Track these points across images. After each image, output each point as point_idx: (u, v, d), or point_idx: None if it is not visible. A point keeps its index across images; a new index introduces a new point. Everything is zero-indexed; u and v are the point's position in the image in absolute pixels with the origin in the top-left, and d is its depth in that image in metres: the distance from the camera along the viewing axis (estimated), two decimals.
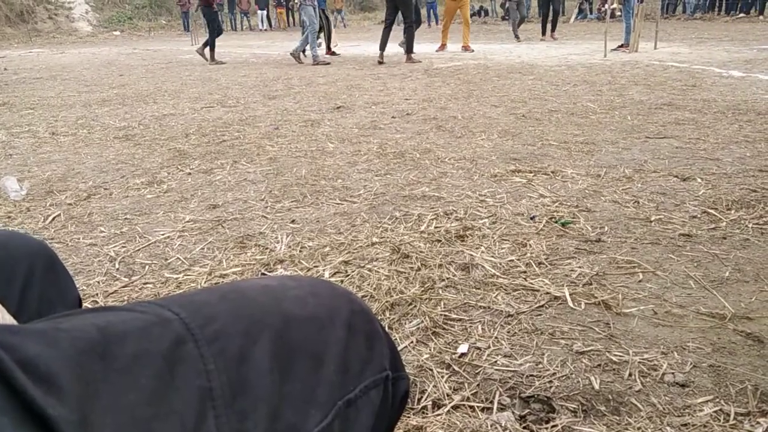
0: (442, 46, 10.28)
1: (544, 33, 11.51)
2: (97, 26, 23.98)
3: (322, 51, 9.53)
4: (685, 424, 1.07)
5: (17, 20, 22.40)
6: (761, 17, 17.55)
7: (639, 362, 1.25)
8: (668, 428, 1.06)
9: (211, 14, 9.40)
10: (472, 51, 9.80)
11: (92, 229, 2.18)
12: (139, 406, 0.31)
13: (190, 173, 2.90)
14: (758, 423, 1.06)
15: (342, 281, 1.68)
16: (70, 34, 22.37)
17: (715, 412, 1.09)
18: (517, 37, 11.88)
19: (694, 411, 1.10)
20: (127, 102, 5.41)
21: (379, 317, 1.47)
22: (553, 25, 11.37)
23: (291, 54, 9.15)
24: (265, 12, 25.21)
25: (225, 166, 2.99)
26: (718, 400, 1.13)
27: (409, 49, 8.51)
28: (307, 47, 8.93)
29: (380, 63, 8.37)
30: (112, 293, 1.68)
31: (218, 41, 9.66)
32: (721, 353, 1.28)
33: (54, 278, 0.68)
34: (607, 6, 11.24)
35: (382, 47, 8.50)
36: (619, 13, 10.76)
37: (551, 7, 11.23)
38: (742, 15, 17.89)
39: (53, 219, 2.30)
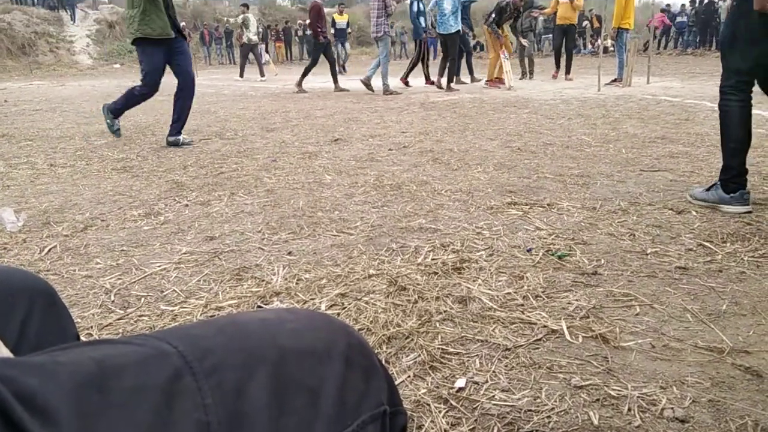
0: (490, 81, 9.90)
1: (557, 68, 10.96)
2: (98, 59, 24.27)
3: (395, 81, 9.84)
4: None
5: (18, 53, 22.67)
6: None
7: (638, 397, 1.24)
8: None
9: (316, 45, 9.80)
10: (501, 87, 9.49)
11: (88, 260, 2.17)
12: None
13: (187, 205, 2.90)
14: None
15: (338, 314, 1.67)
16: (70, 67, 22.63)
17: None
18: (524, 73, 11.33)
19: None
20: (126, 134, 5.45)
21: (376, 351, 1.46)
22: (567, 66, 10.68)
23: (362, 81, 9.53)
24: (263, 46, 25.59)
25: (222, 198, 3.00)
26: None
27: (449, 80, 9.32)
28: (379, 77, 9.11)
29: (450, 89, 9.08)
30: (107, 326, 1.66)
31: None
32: (721, 388, 1.27)
33: (54, 315, 0.68)
34: (600, 41, 11.39)
35: (450, 78, 9.31)
36: (612, 48, 10.83)
37: (564, 46, 10.63)
38: None
39: (49, 250, 2.29)
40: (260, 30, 15.38)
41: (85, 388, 0.32)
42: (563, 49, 10.64)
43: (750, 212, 2.46)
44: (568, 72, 10.59)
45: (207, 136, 5.17)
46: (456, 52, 9.39)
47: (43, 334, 0.65)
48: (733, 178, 2.52)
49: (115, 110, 4.95)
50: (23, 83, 15.47)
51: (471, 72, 11.07)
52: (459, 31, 9.34)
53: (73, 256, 2.23)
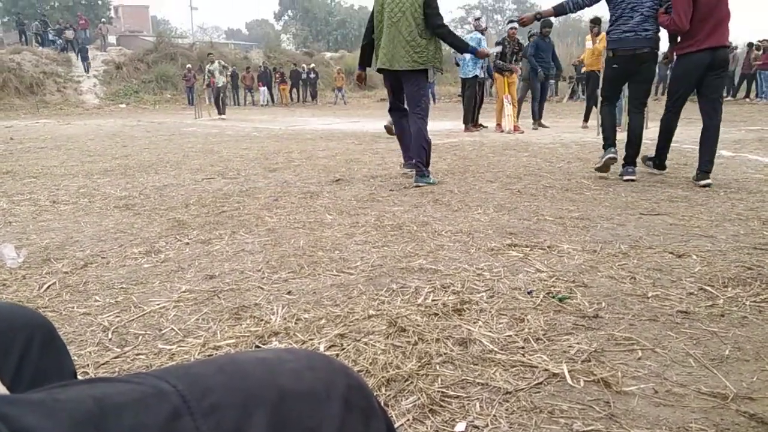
0: (498, 125, 9.80)
1: (532, 119, 10.48)
2: (104, 99, 24.65)
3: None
4: None
5: (26, 92, 23.04)
6: (747, 100, 18.16)
7: None
8: None
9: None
10: (522, 132, 9.30)
11: (87, 298, 2.16)
12: None
13: (188, 243, 2.90)
14: None
15: (337, 355, 1.66)
16: (77, 106, 22.96)
17: None
18: (535, 120, 10.49)
19: None
20: (129, 172, 5.49)
21: (375, 393, 1.44)
22: (539, 110, 10.35)
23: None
24: (266, 88, 26.04)
25: (223, 237, 3.00)
26: None
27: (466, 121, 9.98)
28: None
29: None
30: (104, 364, 1.64)
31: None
32: None
33: (51, 352, 0.68)
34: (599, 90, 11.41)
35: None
36: None
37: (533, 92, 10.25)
38: (729, 98, 18.52)
39: (48, 287, 2.28)
40: (228, 75, 17.69)
41: (84, 427, 0.32)
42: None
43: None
44: (539, 116, 10.31)
45: (210, 176, 5.21)
46: (472, 96, 9.77)
47: (41, 370, 0.65)
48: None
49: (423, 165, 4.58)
50: (30, 121, 15.68)
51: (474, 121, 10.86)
52: (476, 76, 9.59)
53: (72, 293, 2.22)
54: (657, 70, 4.29)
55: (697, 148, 4.32)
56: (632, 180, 4.47)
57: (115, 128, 12.16)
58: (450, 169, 5.28)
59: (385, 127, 9.04)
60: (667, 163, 4.80)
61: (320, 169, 5.53)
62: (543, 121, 10.40)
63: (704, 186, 4.09)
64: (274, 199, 4.03)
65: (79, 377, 1.53)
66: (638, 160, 4.69)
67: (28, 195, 4.37)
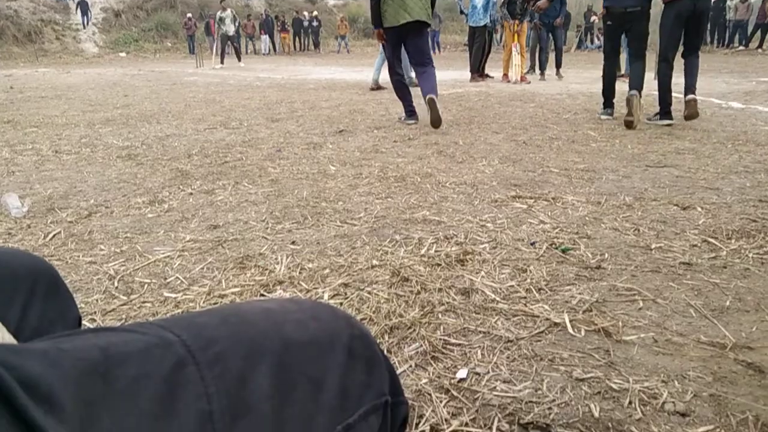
0: (505, 76, 9.61)
1: (539, 69, 10.21)
2: (104, 47, 24.23)
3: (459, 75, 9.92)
4: None
5: (25, 40, 22.65)
6: (760, 50, 17.77)
7: (639, 390, 1.24)
8: None
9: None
10: (528, 83, 9.14)
11: (92, 247, 2.18)
12: (139, 429, 0.31)
13: (191, 193, 2.90)
14: None
15: (341, 304, 1.67)
16: (76, 55, 22.61)
17: None
18: (533, 68, 10.40)
19: None
20: (130, 122, 5.45)
21: (378, 341, 1.46)
22: (557, 61, 10.09)
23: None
24: (268, 37, 25.51)
25: (227, 187, 3.00)
26: (718, 430, 1.12)
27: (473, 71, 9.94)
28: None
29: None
30: (110, 311, 1.67)
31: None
32: (722, 383, 1.27)
33: (56, 298, 0.68)
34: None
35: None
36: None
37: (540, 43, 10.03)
38: (741, 48, 18.11)
39: (53, 236, 2.30)
40: (237, 25, 17.36)
41: (89, 376, 0.32)
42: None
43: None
44: (558, 66, 10.18)
45: (212, 126, 5.17)
46: (481, 45, 9.61)
47: (45, 317, 0.65)
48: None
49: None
50: (29, 70, 15.48)
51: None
52: (486, 24, 9.39)
53: (77, 242, 2.23)
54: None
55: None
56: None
57: (116, 77, 12.01)
58: (455, 120, 5.22)
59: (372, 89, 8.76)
60: (675, 113, 4.73)
61: (323, 119, 5.47)
62: (561, 72, 10.16)
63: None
64: (277, 149, 4.01)
65: (86, 324, 1.56)
66: (645, 119, 4.81)
67: (30, 144, 4.35)
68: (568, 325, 1.52)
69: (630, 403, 1.20)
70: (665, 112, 4.75)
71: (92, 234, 2.32)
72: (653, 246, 2.06)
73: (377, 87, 8.48)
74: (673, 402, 1.20)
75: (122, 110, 6.39)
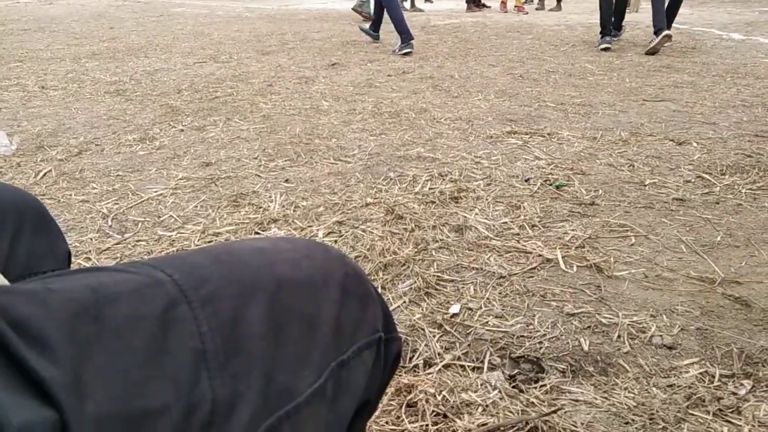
0: (503, 5, 9.25)
1: None
2: None
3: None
4: (671, 385, 1.09)
5: None
6: None
7: (628, 324, 1.27)
8: (654, 389, 1.08)
9: None
10: (526, 13, 8.84)
11: (84, 185, 2.16)
12: (132, 369, 0.31)
13: (182, 130, 2.86)
14: (742, 384, 1.09)
15: (335, 242, 1.68)
16: None
17: (701, 373, 1.12)
18: None
19: (680, 372, 1.12)
20: (117, 56, 5.30)
21: (373, 278, 1.48)
22: None
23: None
24: None
25: (218, 123, 2.95)
26: (704, 362, 1.15)
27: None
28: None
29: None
30: (105, 250, 1.67)
31: None
32: (709, 317, 1.30)
33: (44, 232, 0.67)
34: None
35: None
36: None
37: None
38: None
39: (44, 175, 2.27)
40: None
41: (80, 316, 0.32)
42: None
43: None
44: None
45: (201, 60, 5.04)
46: None
47: (34, 252, 0.64)
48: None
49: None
50: (9, 1, 14.91)
51: None
52: None
53: (69, 180, 2.22)
54: None
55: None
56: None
57: (100, 8, 11.59)
58: (451, 53, 5.11)
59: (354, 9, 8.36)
60: (675, 45, 4.64)
61: (315, 52, 5.34)
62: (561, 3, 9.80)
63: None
64: (268, 84, 3.92)
65: (81, 263, 1.57)
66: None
67: (15, 80, 4.24)
68: (561, 261, 1.54)
69: (619, 337, 1.23)
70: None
71: (84, 172, 2.30)
72: (647, 182, 2.06)
73: (367, 18, 8.19)
74: (661, 336, 1.23)
75: (108, 43, 6.20)
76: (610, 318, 1.29)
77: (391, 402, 1.06)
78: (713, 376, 1.11)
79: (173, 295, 0.37)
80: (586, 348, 1.20)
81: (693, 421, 1.00)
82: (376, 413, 1.03)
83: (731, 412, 1.02)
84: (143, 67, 4.69)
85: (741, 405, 1.04)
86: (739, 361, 1.15)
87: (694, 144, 2.47)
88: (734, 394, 1.07)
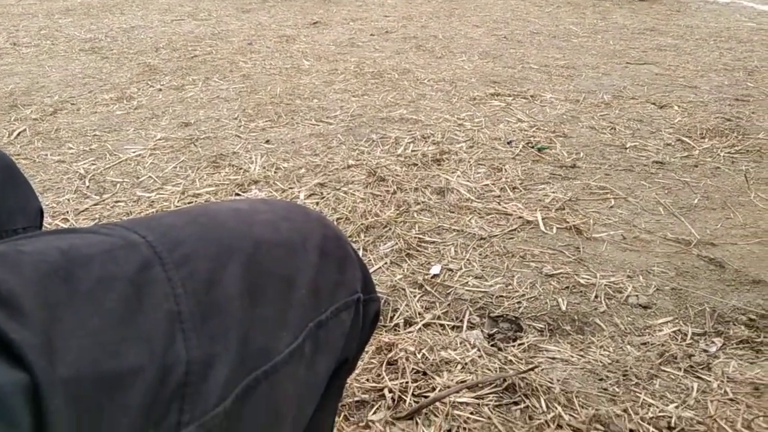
0: None
1: None
2: None
3: None
4: (645, 343, 1.12)
5: None
6: None
7: (605, 285, 1.29)
8: (628, 347, 1.11)
9: None
10: None
11: (60, 145, 2.12)
12: (104, 331, 0.31)
13: (160, 89, 2.80)
14: (713, 342, 1.12)
15: (317, 203, 1.68)
16: None
17: (674, 332, 1.15)
18: None
19: (654, 331, 1.15)
20: (92, 12, 5.14)
21: (354, 239, 1.48)
22: None
23: None
24: None
25: (197, 83, 2.89)
26: (677, 321, 1.18)
27: None
28: None
29: None
30: (83, 211, 1.65)
31: None
32: (684, 277, 1.32)
33: (13, 189, 0.65)
34: None
35: None
36: None
37: None
38: None
39: (18, 134, 2.22)
40: None
41: (51, 279, 0.31)
42: None
43: None
44: None
45: (179, 17, 4.90)
46: None
47: (4, 209, 0.63)
48: None
49: None
50: None
51: None
52: None
53: (44, 140, 2.17)
54: None
55: None
56: None
57: None
58: (435, 13, 5.02)
59: None
60: (660, 8, 4.61)
61: (296, 9, 5.22)
62: None
63: None
64: (248, 43, 3.84)
65: (60, 224, 1.55)
66: None
67: None
68: (541, 223, 1.55)
69: (596, 297, 1.25)
70: None
71: (59, 132, 2.25)
72: (628, 145, 2.07)
73: None
74: (637, 296, 1.25)
75: None
76: (588, 279, 1.31)
77: (372, 360, 1.08)
78: (686, 335, 1.14)
79: (147, 256, 0.36)
80: (563, 308, 1.22)
81: (665, 377, 1.03)
82: (357, 371, 1.04)
83: (702, 369, 1.05)
84: (119, 24, 4.55)
85: (711, 362, 1.07)
86: (711, 320, 1.18)
87: (676, 107, 2.47)
88: (705, 351, 1.10)
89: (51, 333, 0.29)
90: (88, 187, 1.80)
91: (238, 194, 1.74)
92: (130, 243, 0.37)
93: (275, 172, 1.87)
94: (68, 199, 1.72)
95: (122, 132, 2.24)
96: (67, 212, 1.64)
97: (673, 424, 0.92)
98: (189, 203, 1.69)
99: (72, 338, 0.30)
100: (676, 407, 0.96)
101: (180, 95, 2.70)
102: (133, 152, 2.05)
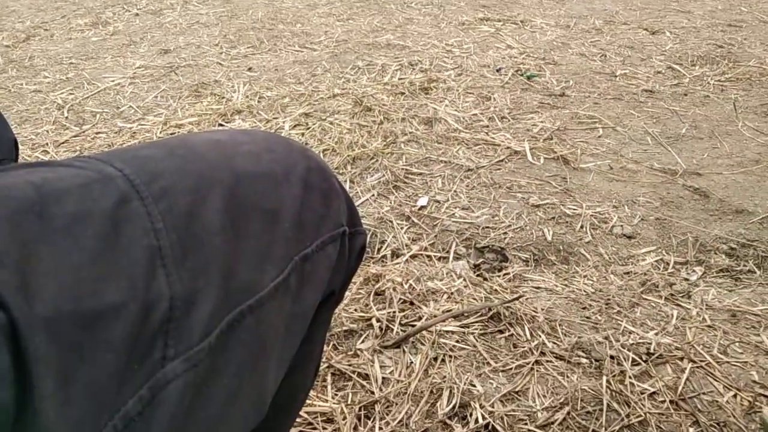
0: None
1: None
2: None
3: None
4: (628, 273, 1.14)
5: None
6: None
7: (591, 215, 1.30)
8: (612, 276, 1.13)
9: None
10: None
11: (35, 74, 2.05)
12: (82, 267, 0.30)
13: (137, 14, 2.69)
14: (694, 271, 1.14)
15: (303, 134, 1.65)
16: None
17: (656, 261, 1.17)
18: None
19: (637, 260, 1.17)
20: None
21: (341, 171, 1.46)
22: None
23: None
24: None
25: (175, 7, 2.77)
26: (660, 250, 1.20)
27: None
28: None
29: None
30: (63, 143, 1.61)
31: None
32: (669, 207, 1.33)
33: None
34: None
35: None
36: None
37: None
38: None
39: None
40: None
41: (24, 215, 0.30)
42: None
43: None
44: None
45: None
46: None
47: None
48: None
49: None
50: None
51: None
52: None
53: (18, 68, 2.09)
54: None
55: None
56: None
57: None
58: None
59: None
60: None
61: None
62: None
63: None
64: None
65: (40, 157, 1.51)
66: None
67: None
68: (528, 153, 1.54)
69: (581, 227, 1.26)
70: None
71: (33, 60, 2.16)
72: (618, 73, 2.04)
73: None
74: (621, 226, 1.26)
75: None
76: (574, 209, 1.32)
77: (360, 291, 1.09)
78: (668, 264, 1.16)
79: (124, 190, 0.35)
80: (549, 238, 1.23)
81: (646, 305, 1.05)
82: (346, 301, 1.06)
83: (682, 297, 1.08)
84: None
85: (692, 290, 1.09)
86: (693, 249, 1.20)
87: (668, 33, 2.42)
88: (686, 280, 1.12)
89: (26, 271, 0.28)
90: (67, 117, 1.75)
91: (221, 125, 1.70)
92: (106, 176, 0.35)
93: (259, 102, 1.83)
94: (47, 131, 1.67)
95: (99, 60, 2.17)
96: (47, 144, 1.60)
97: (652, 350, 0.95)
98: (171, 134, 1.66)
99: (49, 276, 0.29)
100: (656, 334, 0.99)
101: (158, 20, 2.59)
102: (112, 81, 1.98)
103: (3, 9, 2.74)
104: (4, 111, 0.66)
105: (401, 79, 1.98)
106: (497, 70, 2.05)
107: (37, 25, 2.52)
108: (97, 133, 1.67)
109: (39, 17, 2.63)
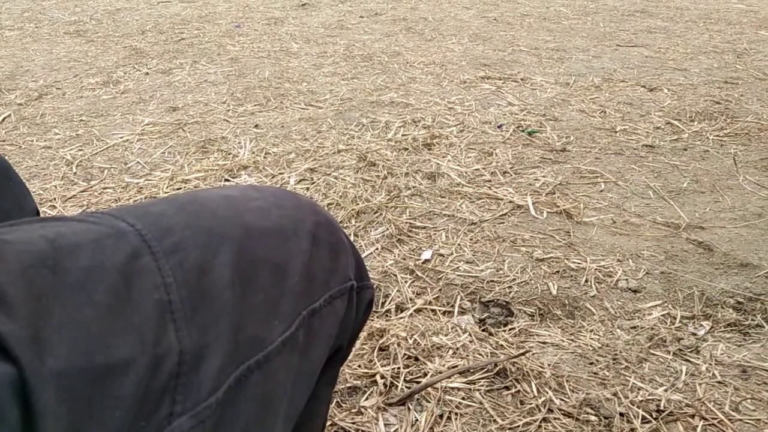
0: None
1: None
2: None
3: None
4: (634, 327, 1.12)
5: None
6: None
7: (595, 269, 1.30)
8: (618, 330, 1.11)
9: None
10: None
11: (46, 131, 2.09)
12: (94, 322, 0.30)
13: (147, 73, 2.76)
14: (701, 326, 1.13)
15: (308, 189, 1.67)
16: None
17: (663, 315, 1.16)
18: None
19: (644, 315, 1.16)
20: None
21: (345, 225, 1.47)
22: None
23: None
24: None
25: (184, 66, 2.86)
26: (666, 304, 1.19)
27: None
28: None
29: None
30: (71, 198, 1.63)
31: None
32: (673, 261, 1.33)
33: (9, 189, 0.64)
34: None
35: None
36: None
37: None
38: None
39: (3, 120, 2.19)
40: None
41: (37, 269, 0.30)
42: None
43: None
44: None
45: None
46: None
47: (1, 210, 0.62)
48: None
49: None
50: None
51: None
52: None
53: (30, 125, 2.14)
54: None
55: None
56: None
57: None
58: None
59: None
60: None
61: None
62: None
63: None
64: (236, 25, 3.79)
65: (47, 212, 1.53)
66: None
67: None
68: (531, 207, 1.55)
69: (586, 281, 1.26)
70: None
71: (45, 117, 2.22)
72: (618, 128, 2.07)
73: None
74: (627, 279, 1.26)
75: None
76: (579, 263, 1.32)
77: (364, 346, 1.08)
78: (675, 318, 1.15)
79: (136, 245, 0.35)
80: (554, 292, 1.22)
81: (654, 361, 1.04)
82: (350, 357, 1.04)
83: (690, 352, 1.06)
84: (104, 6, 4.48)
85: (700, 345, 1.08)
86: (699, 303, 1.19)
87: (666, 90, 2.48)
88: (694, 334, 1.11)
89: (39, 325, 0.28)
90: (75, 173, 1.78)
91: (227, 180, 1.72)
92: (118, 231, 0.36)
93: (265, 157, 1.86)
94: (55, 186, 1.70)
95: (109, 117, 2.22)
96: (55, 199, 1.62)
97: (662, 407, 0.93)
98: (178, 189, 1.68)
99: (61, 330, 0.29)
100: (665, 390, 0.97)
101: (167, 79, 2.67)
102: (121, 137, 2.02)
103: (17, 69, 2.83)
104: (14, 167, 0.67)
105: (404, 135, 2.02)
106: (499, 127, 2.09)
107: (50, 84, 2.59)
108: (104, 188, 1.69)
109: (52, 76, 2.70)
